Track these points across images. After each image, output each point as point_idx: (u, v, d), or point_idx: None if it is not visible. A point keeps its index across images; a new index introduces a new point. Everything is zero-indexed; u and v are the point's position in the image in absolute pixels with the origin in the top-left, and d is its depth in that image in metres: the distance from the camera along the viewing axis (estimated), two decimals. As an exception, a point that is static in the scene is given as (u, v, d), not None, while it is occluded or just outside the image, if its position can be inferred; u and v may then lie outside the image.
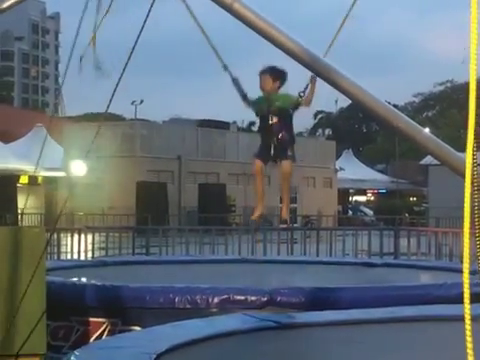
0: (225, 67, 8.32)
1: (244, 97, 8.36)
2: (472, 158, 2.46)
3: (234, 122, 59.28)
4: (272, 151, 8.36)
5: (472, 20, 2.48)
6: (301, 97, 8.19)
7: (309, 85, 8.07)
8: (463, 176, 4.10)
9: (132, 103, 62.46)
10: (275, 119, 8.32)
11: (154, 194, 50.51)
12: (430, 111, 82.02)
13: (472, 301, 2.40)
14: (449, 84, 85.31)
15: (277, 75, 8.39)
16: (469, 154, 2.47)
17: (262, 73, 8.38)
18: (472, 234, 2.45)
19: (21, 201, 42.93)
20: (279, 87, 8.45)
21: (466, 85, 2.75)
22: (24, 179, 42.36)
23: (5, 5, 7.02)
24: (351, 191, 62.86)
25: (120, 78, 6.54)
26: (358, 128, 70.86)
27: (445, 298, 7.81)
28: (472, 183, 2.54)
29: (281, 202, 8.97)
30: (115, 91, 6.55)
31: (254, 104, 8.43)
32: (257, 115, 8.70)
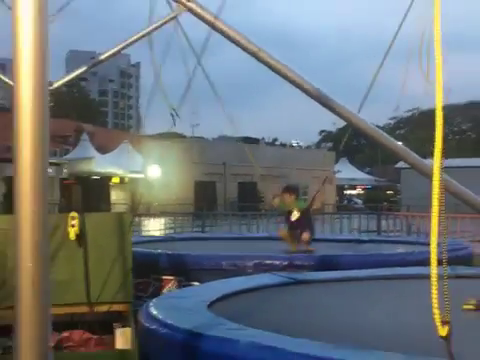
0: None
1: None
2: (439, 163, 2.47)
3: (262, 138, 59.12)
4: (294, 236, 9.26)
5: (437, 67, 2.46)
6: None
7: (318, 194, 8.97)
8: (426, 176, 4.03)
9: (191, 125, 62.47)
10: (296, 216, 9.09)
11: (207, 190, 50.73)
12: (402, 130, 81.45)
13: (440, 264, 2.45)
14: (415, 111, 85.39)
15: (292, 191, 9.21)
16: (437, 160, 2.48)
17: (283, 192, 9.17)
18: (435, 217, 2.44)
19: (113, 195, 43.23)
20: (296, 197, 9.21)
21: (429, 111, 2.79)
22: (115, 179, 42.42)
23: (103, 57, 7.07)
24: (345, 187, 62.82)
25: (173, 114, 6.54)
26: (351, 142, 70.70)
27: (414, 262, 7.76)
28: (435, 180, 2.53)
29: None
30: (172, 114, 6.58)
31: (282, 206, 9.33)
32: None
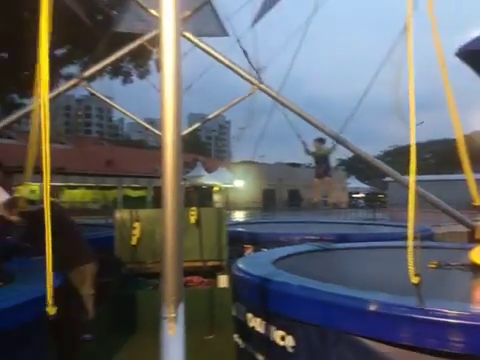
0: (299, 136, 8.31)
1: (308, 152, 8.54)
2: (413, 178, 2.43)
3: (304, 164, 58.69)
4: (322, 175, 8.69)
5: (411, 106, 2.39)
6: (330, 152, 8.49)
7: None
8: (404, 186, 3.87)
9: (259, 156, 62.58)
10: (322, 160, 8.61)
11: (269, 194, 50.61)
12: (388, 158, 79.14)
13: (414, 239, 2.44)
14: (394, 146, 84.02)
15: (321, 141, 8.58)
16: (411, 176, 2.43)
17: (315, 141, 8.58)
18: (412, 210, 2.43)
19: (214, 198, 43.49)
20: (322, 145, 8.63)
21: (405, 146, 2.75)
22: (216, 188, 42.69)
23: (209, 117, 7.07)
24: (353, 193, 61.45)
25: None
26: (357, 165, 69.51)
27: (397, 237, 7.50)
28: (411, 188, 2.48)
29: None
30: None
31: (312, 154, 8.68)
32: (315, 159, 8.94)
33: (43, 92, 2.12)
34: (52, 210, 3.43)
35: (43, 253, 2.60)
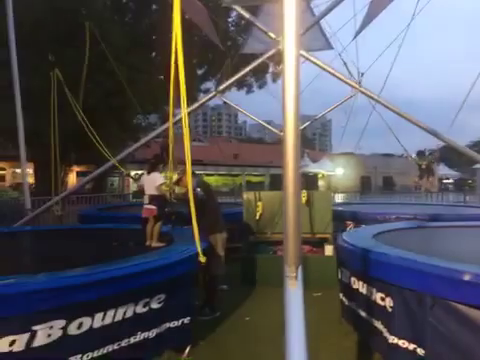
0: (405, 151, 8.01)
1: (417, 163, 8.40)
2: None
3: (395, 154, 54.85)
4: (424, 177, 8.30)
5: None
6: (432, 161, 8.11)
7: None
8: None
9: (357, 148, 59.47)
10: (424, 166, 8.17)
11: (366, 181, 48.31)
12: (475, 148, 70.45)
13: None
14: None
15: (422, 154, 8.18)
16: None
17: (417, 155, 8.21)
18: None
19: (319, 183, 42.50)
20: (424, 156, 8.18)
21: None
22: (320, 175, 41.72)
23: (316, 118, 6.96)
24: (443, 178, 55.60)
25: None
26: (445, 154, 63.32)
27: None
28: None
29: None
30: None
31: (419, 165, 8.37)
32: (419, 167, 8.55)
33: (183, 106, 2.75)
34: (208, 186, 4.24)
35: (192, 222, 2.93)
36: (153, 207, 4.29)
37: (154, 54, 15.53)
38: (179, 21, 2.63)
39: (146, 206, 4.34)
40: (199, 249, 3.15)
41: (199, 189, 4.75)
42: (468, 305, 2.75)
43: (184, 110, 2.72)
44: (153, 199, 4.30)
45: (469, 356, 2.76)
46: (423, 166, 8.21)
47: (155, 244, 4.22)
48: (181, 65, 2.72)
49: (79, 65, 7.65)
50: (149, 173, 4.38)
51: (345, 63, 6.29)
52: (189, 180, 3.01)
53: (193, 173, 5.01)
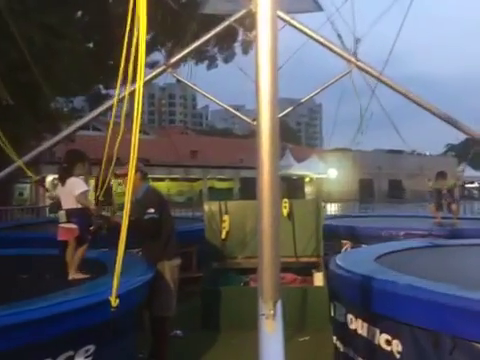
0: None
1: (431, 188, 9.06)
2: None
3: (406, 150, 56.44)
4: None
5: None
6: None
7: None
8: None
9: (355, 143, 60.91)
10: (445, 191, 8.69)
11: (367, 185, 49.48)
12: None
13: None
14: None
15: (443, 175, 8.83)
16: None
17: (437, 176, 8.89)
18: None
19: (306, 189, 43.22)
20: (445, 179, 8.83)
21: None
22: (307, 180, 42.38)
23: (302, 101, 7.07)
24: (466, 181, 57.66)
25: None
26: (469, 150, 65.57)
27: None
28: None
29: None
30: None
31: (435, 190, 8.93)
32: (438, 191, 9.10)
33: (139, 78, 2.21)
34: (161, 199, 4.04)
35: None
36: (73, 226, 4.06)
37: (80, 13, 15.27)
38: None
39: (63, 225, 4.12)
40: (115, 282, 2.58)
41: (152, 210, 4.62)
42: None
43: (141, 80, 2.21)
44: (72, 215, 4.08)
45: None
46: (444, 191, 8.54)
47: (74, 276, 4.04)
48: (143, 17, 2.23)
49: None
50: (63, 182, 4.15)
51: (339, 35, 6.39)
52: (129, 187, 2.44)
53: (143, 174, 4.91)
